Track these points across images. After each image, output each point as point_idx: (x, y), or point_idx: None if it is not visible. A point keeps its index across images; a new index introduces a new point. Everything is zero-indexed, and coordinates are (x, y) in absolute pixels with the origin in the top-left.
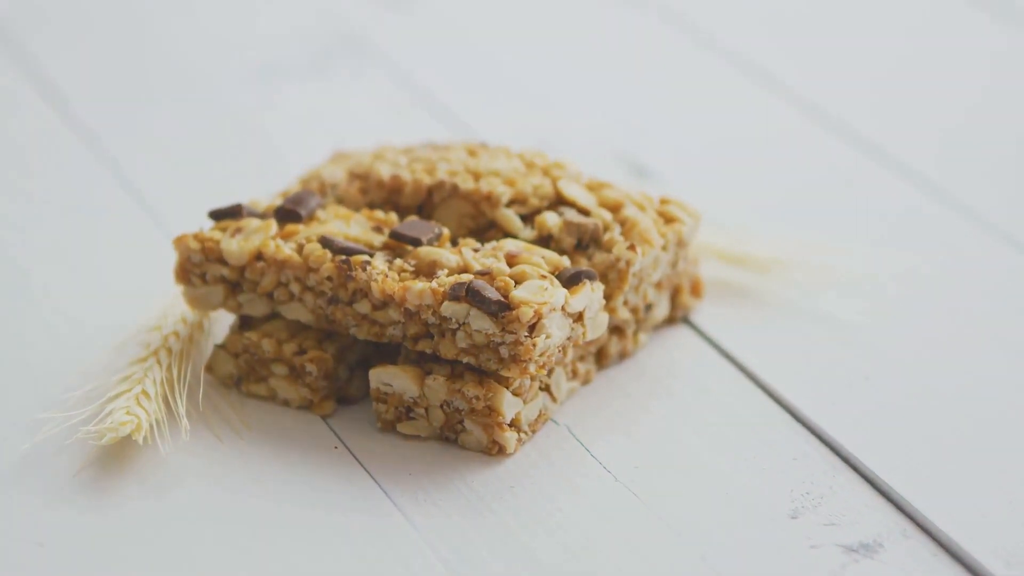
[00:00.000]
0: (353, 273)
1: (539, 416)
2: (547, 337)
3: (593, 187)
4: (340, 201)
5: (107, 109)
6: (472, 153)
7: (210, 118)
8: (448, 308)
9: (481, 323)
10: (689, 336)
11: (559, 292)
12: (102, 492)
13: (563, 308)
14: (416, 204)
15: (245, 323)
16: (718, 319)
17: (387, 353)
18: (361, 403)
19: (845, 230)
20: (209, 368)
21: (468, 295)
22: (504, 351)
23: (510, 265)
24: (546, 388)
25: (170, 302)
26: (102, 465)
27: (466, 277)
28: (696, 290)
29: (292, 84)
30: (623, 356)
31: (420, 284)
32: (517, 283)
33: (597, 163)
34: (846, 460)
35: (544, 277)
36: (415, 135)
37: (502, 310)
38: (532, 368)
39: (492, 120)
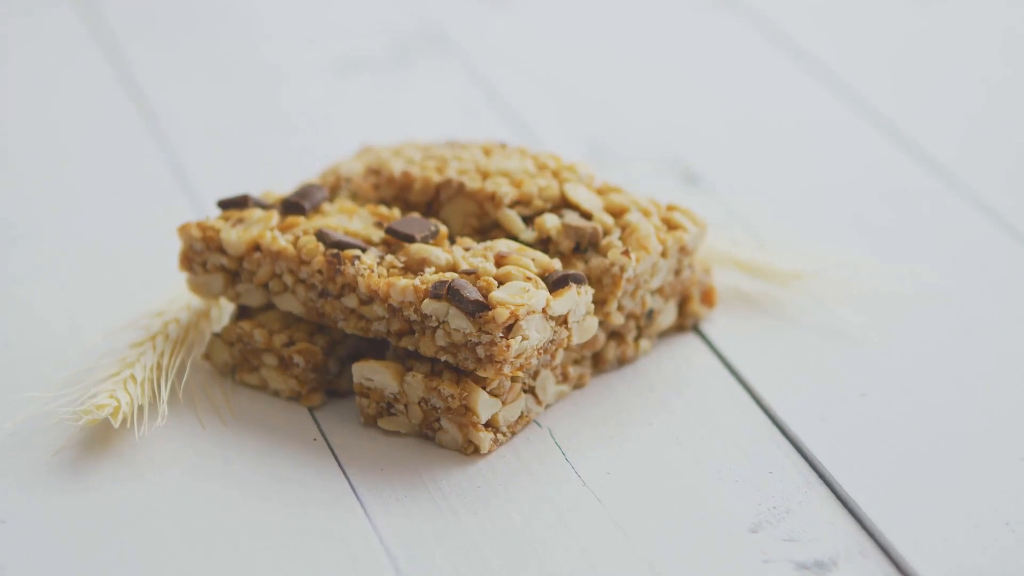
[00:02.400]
0: (342, 267)
1: (520, 418)
2: (523, 339)
3: (603, 191)
4: (354, 195)
5: (173, 85)
6: (488, 152)
7: (277, 105)
8: (428, 306)
9: (459, 322)
10: (695, 345)
11: (540, 294)
12: (75, 473)
13: (544, 311)
14: (425, 201)
15: (243, 313)
16: (728, 329)
17: (378, 348)
18: (351, 397)
19: (892, 247)
20: (207, 356)
21: (448, 294)
22: (480, 351)
23: (499, 266)
24: (530, 390)
25: (181, 288)
26: (83, 446)
27: (450, 275)
28: (708, 299)
29: (367, 77)
30: (622, 361)
31: (403, 281)
32: (501, 284)
33: (650, 169)
34: (822, 476)
35: (529, 279)
36: (476, 133)
37: (479, 310)
38: (507, 369)
39: (552, 121)
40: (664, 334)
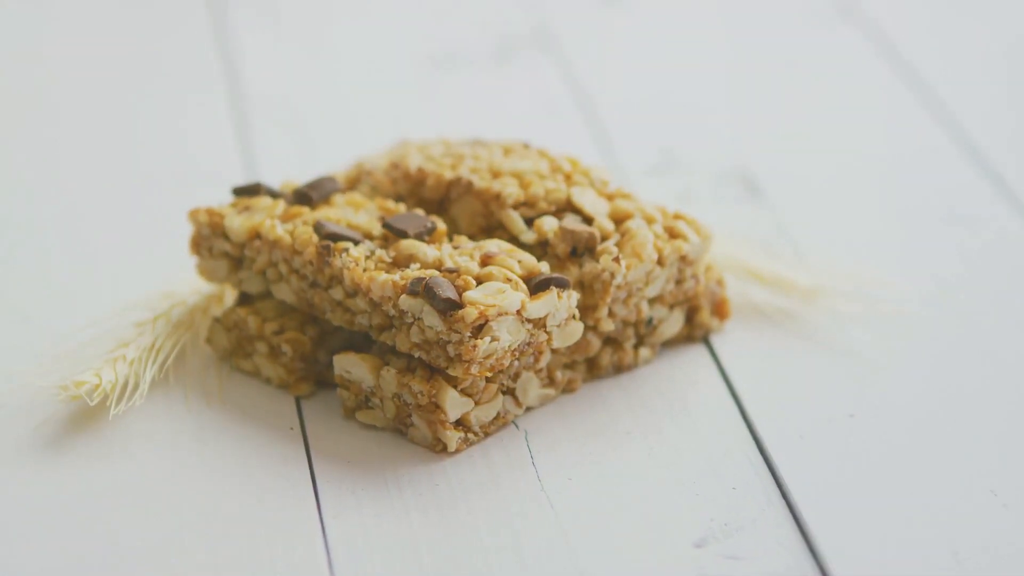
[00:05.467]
0: (330, 259)
1: (497, 418)
2: (493, 340)
3: (613, 196)
4: (374, 189)
5: (267, 64)
6: (507, 152)
7: (367, 95)
8: (405, 302)
9: (432, 320)
10: (700, 356)
11: (515, 296)
12: (52, 447)
13: (519, 313)
14: (438, 198)
15: (244, 299)
16: (737, 342)
17: (369, 341)
18: None
19: (934, 269)
20: (208, 340)
21: (424, 291)
22: (451, 349)
23: (484, 266)
24: (510, 391)
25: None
26: (66, 422)
27: (431, 273)
28: (720, 311)
29: (463, 73)
30: (620, 369)
31: (384, 275)
32: (480, 284)
33: (714, 179)
34: (784, 495)
35: (509, 280)
36: (548, 135)
37: (451, 308)
38: (475, 369)
39: (630, 125)
40: (672, 344)
